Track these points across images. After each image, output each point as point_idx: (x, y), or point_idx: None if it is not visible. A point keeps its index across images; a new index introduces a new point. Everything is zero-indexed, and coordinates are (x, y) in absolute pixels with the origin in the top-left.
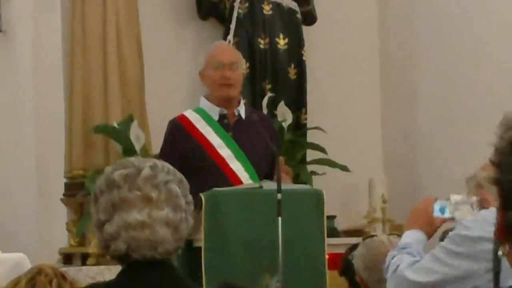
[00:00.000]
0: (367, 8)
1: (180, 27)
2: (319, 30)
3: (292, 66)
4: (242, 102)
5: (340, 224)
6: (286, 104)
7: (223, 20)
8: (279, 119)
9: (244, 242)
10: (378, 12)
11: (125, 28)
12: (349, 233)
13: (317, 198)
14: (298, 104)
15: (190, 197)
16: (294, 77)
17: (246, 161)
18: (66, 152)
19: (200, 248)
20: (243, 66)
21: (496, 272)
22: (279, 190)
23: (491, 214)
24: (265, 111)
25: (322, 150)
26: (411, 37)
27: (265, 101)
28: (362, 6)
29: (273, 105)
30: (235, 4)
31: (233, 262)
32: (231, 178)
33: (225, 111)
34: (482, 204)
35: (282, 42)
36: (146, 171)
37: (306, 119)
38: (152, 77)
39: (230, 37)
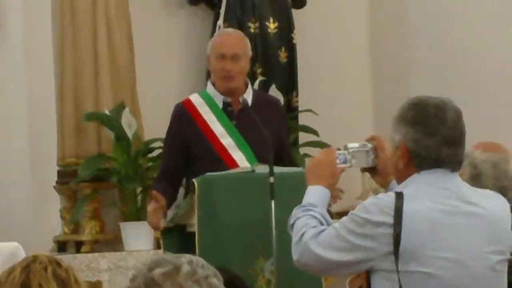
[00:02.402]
0: None
1: (170, 13)
2: (309, 13)
3: (283, 49)
4: (250, 87)
5: (333, 205)
6: (278, 88)
7: (213, 5)
8: None
9: (238, 226)
10: None
11: (115, 15)
12: (343, 214)
13: None
14: (289, 87)
15: None
16: (285, 60)
17: (249, 151)
18: (58, 140)
19: (193, 232)
20: (249, 53)
21: (396, 255)
22: (271, 173)
23: (388, 202)
24: None
25: (314, 132)
26: (402, 20)
27: (256, 85)
28: None
29: (264, 88)
30: None
31: (227, 246)
32: (232, 168)
33: (229, 99)
34: (377, 152)
35: (272, 26)
36: (185, 268)
37: (297, 102)
38: (143, 63)
39: (220, 22)
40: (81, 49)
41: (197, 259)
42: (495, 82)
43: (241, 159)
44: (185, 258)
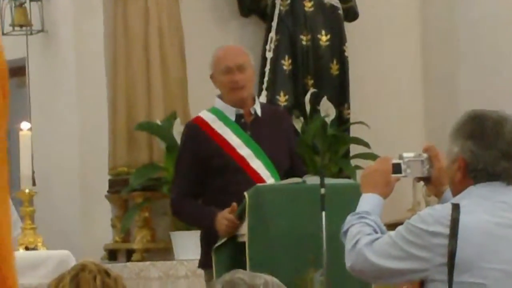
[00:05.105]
0: (409, 3)
1: (222, 25)
2: (360, 26)
3: (334, 62)
4: (257, 99)
5: (384, 217)
6: (329, 100)
7: (265, 16)
8: (322, 114)
9: (288, 236)
10: (419, 7)
11: (167, 27)
12: (394, 226)
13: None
14: (340, 99)
15: None
16: (336, 72)
17: (266, 159)
18: (110, 149)
19: (244, 243)
20: (252, 64)
21: (451, 266)
22: (322, 184)
23: (445, 213)
24: (307, 107)
25: (366, 144)
26: (453, 31)
27: (307, 97)
28: (404, 1)
29: (316, 101)
30: (276, 1)
31: (277, 257)
32: (253, 177)
33: (241, 111)
34: (432, 162)
35: (324, 38)
36: None
37: (349, 114)
38: (194, 74)
39: (272, 34)
40: (134, 60)
41: (272, 280)
42: None
43: (260, 167)
44: (260, 278)
